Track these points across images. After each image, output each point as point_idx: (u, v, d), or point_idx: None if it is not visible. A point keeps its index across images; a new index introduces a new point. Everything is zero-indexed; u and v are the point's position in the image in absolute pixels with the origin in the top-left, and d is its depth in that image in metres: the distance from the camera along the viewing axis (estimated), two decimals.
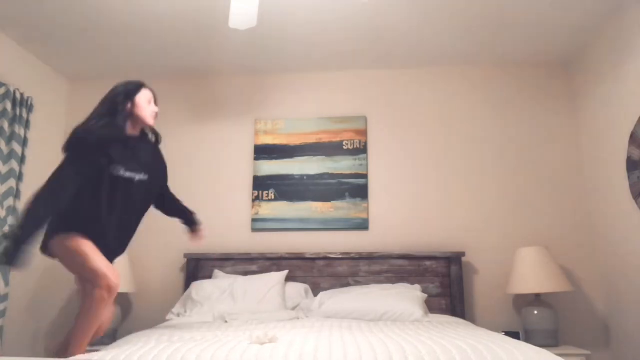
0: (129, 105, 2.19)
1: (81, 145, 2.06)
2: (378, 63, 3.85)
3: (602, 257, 3.38)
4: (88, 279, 2.04)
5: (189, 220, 2.60)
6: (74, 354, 2.03)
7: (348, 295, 3.05)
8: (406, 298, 2.98)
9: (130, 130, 2.23)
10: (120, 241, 2.27)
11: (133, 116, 2.21)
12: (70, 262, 2.07)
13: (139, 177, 2.19)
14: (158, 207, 2.59)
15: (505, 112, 3.78)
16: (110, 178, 2.09)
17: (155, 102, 2.32)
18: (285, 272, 3.41)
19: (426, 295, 3.16)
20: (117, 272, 2.08)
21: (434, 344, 1.62)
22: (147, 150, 2.28)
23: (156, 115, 2.30)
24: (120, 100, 2.18)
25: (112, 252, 2.24)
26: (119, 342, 2.12)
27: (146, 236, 3.78)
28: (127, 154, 2.15)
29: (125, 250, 2.34)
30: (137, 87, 2.24)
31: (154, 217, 3.80)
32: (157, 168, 2.34)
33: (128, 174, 2.14)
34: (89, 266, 2.01)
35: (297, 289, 3.33)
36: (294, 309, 3.17)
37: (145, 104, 2.23)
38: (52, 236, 2.09)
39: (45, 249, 2.16)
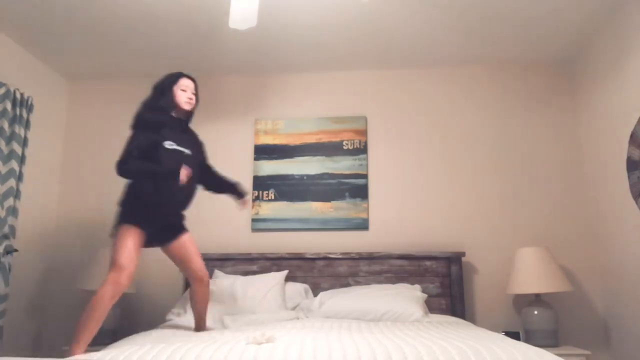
0: (170, 94, 2.57)
1: (140, 123, 2.49)
2: (378, 63, 3.85)
3: (602, 257, 3.37)
4: (110, 264, 2.34)
5: (237, 192, 2.85)
6: (73, 352, 2.14)
7: (348, 295, 3.04)
8: (406, 298, 2.98)
9: (175, 114, 2.61)
10: (182, 208, 2.59)
11: (174, 102, 2.58)
12: (114, 247, 2.38)
13: (186, 151, 2.55)
14: (209, 188, 2.84)
15: (506, 112, 3.77)
16: (166, 151, 2.44)
17: (195, 91, 2.65)
18: (285, 272, 3.40)
19: (426, 295, 3.16)
20: (131, 274, 2.32)
21: (433, 345, 1.62)
22: (187, 131, 2.66)
23: (192, 101, 2.62)
24: (164, 89, 2.58)
25: (176, 223, 2.59)
26: (119, 342, 2.12)
27: None
28: (173, 133, 2.52)
29: (184, 216, 2.68)
30: (176, 77, 2.62)
31: None
32: (197, 147, 2.69)
33: (177, 147, 2.50)
34: (115, 255, 2.33)
35: (297, 289, 3.33)
36: (294, 309, 3.17)
37: (180, 92, 2.59)
38: (120, 224, 2.41)
39: (114, 235, 2.46)
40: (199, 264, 2.63)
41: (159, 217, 2.48)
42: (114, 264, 2.30)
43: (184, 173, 2.40)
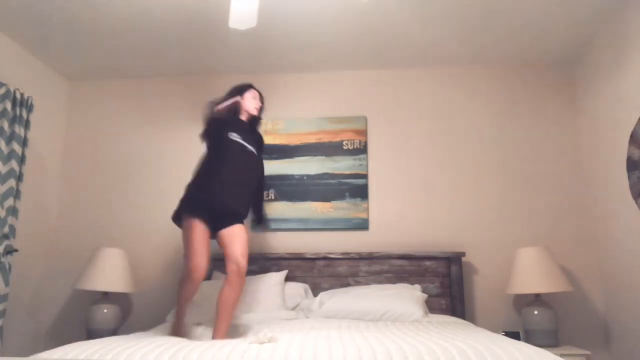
0: (239, 98, 2.90)
1: (208, 123, 2.83)
2: (378, 63, 3.85)
3: (602, 258, 3.38)
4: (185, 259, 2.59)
5: (260, 216, 3.09)
6: (173, 323, 2.59)
7: (348, 295, 3.04)
8: (406, 298, 2.98)
9: (242, 116, 2.91)
10: (240, 199, 2.71)
11: (242, 106, 2.90)
12: (183, 240, 2.62)
13: (250, 147, 2.78)
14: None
15: (505, 112, 3.78)
16: (228, 141, 2.71)
17: (261, 101, 2.96)
18: (285, 272, 3.40)
19: (426, 295, 3.16)
20: (202, 266, 2.52)
21: (433, 344, 1.62)
22: (254, 134, 2.92)
23: (260, 109, 2.94)
24: (234, 94, 2.92)
25: (232, 210, 2.67)
26: (120, 336, 2.11)
27: (146, 236, 3.79)
28: (239, 131, 2.78)
29: (246, 213, 2.77)
30: (247, 86, 2.95)
31: (153, 216, 3.81)
32: (260, 150, 2.93)
33: (241, 141, 2.75)
34: (187, 252, 2.56)
35: (297, 289, 3.32)
36: (294, 309, 3.17)
37: (250, 99, 2.90)
38: (181, 214, 2.67)
39: (177, 220, 2.73)
40: (235, 250, 2.53)
41: (208, 207, 2.61)
42: (187, 260, 2.54)
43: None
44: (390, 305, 2.89)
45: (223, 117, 2.81)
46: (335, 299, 3.01)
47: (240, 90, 2.93)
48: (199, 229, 2.56)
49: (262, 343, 1.69)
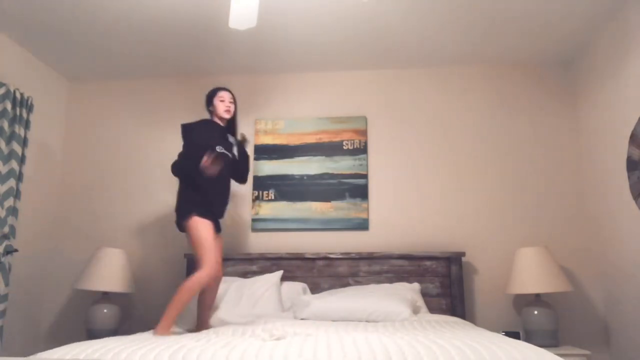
0: (211, 107, 2.97)
1: (195, 130, 2.86)
2: (378, 63, 3.85)
3: (602, 257, 3.37)
4: (197, 261, 2.60)
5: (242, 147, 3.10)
6: (159, 330, 2.38)
7: (335, 297, 2.93)
8: (394, 298, 2.90)
9: (219, 122, 2.97)
10: (222, 206, 2.88)
11: (215, 113, 2.96)
12: (192, 241, 2.67)
13: (230, 154, 2.87)
14: (237, 179, 3.12)
15: (505, 112, 3.78)
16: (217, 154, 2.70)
17: (234, 101, 2.99)
18: (280, 272, 3.36)
19: (420, 295, 3.15)
20: (219, 264, 2.72)
21: (432, 344, 1.61)
22: (227, 137, 2.98)
23: (230, 109, 2.95)
24: (206, 104, 3.02)
25: (219, 214, 2.84)
26: (120, 336, 2.10)
27: (146, 236, 3.79)
28: (220, 139, 2.87)
29: (224, 214, 2.91)
30: (213, 91, 2.99)
31: (154, 216, 3.81)
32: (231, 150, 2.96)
33: (225, 151, 2.81)
34: (201, 250, 2.60)
35: (296, 289, 3.30)
36: (291, 308, 3.15)
37: (219, 103, 2.94)
38: (184, 217, 2.69)
39: (179, 227, 2.76)
40: (220, 259, 2.82)
41: (215, 208, 2.80)
42: (204, 260, 2.56)
43: (205, 159, 2.59)
44: (377, 305, 2.80)
45: (206, 127, 2.89)
46: (321, 301, 2.89)
47: (209, 97, 2.98)
48: (210, 227, 2.68)
49: (272, 338, 1.72)
